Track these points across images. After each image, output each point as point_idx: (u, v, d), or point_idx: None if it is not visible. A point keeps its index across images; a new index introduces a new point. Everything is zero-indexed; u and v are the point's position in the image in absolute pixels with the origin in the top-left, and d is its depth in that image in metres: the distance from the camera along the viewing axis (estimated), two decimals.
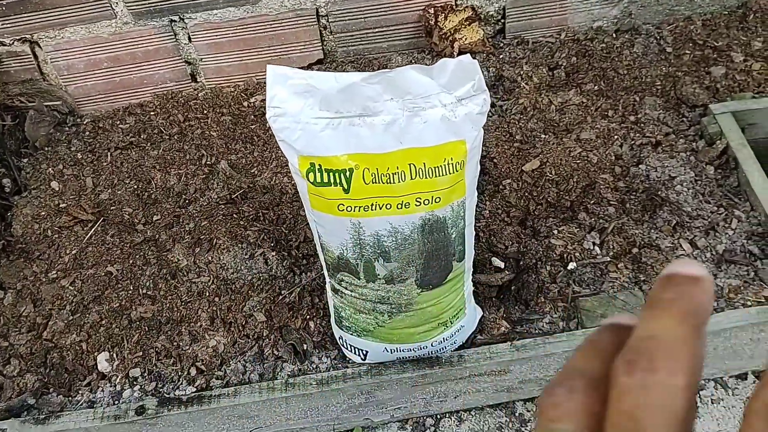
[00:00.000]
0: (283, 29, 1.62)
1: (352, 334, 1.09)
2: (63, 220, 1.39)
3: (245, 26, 1.60)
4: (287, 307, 1.20)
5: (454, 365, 1.08)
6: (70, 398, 1.15)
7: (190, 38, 1.61)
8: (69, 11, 1.53)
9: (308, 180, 0.94)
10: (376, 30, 1.65)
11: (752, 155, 1.29)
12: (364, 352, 1.10)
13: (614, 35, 1.63)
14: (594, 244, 1.23)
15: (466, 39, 1.61)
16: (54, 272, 1.31)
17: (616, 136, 1.40)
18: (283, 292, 1.22)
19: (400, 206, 0.94)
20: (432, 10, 1.59)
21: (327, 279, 1.08)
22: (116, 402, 1.14)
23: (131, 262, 1.31)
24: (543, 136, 1.41)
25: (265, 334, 1.18)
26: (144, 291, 1.26)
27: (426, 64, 1.60)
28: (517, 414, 1.15)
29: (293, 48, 1.65)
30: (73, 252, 1.34)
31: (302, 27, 1.61)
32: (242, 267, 1.26)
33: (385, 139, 0.91)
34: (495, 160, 1.37)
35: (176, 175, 1.45)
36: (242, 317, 1.20)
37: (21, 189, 1.50)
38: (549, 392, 0.26)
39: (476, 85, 0.91)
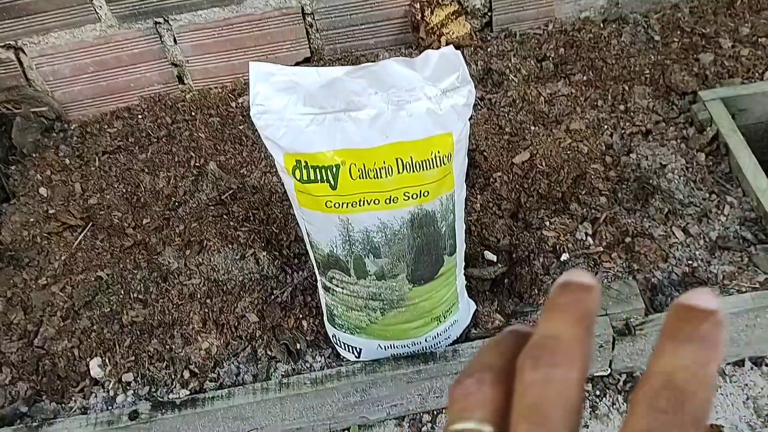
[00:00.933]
0: (269, 28, 1.61)
1: (345, 332, 1.08)
2: (52, 226, 1.38)
3: (231, 26, 1.59)
4: (279, 306, 1.19)
5: (449, 360, 1.07)
6: (63, 405, 1.14)
7: (175, 40, 1.60)
8: (53, 16, 1.52)
9: (295, 177, 0.93)
10: (363, 27, 1.64)
11: (743, 141, 1.29)
12: (358, 350, 1.09)
13: (602, 25, 1.63)
14: (586, 234, 1.22)
15: (453, 33, 1.60)
16: (44, 279, 1.30)
17: (606, 126, 1.39)
18: (275, 291, 1.22)
19: (388, 201, 0.93)
20: (418, 5, 1.59)
21: (318, 277, 1.07)
22: (110, 407, 1.13)
23: (121, 266, 1.30)
24: (533, 127, 1.40)
25: (258, 335, 1.17)
26: (135, 295, 1.25)
27: None
28: None
29: (280, 47, 1.64)
30: (63, 258, 1.32)
31: (288, 25, 1.60)
32: (233, 268, 1.25)
33: (371, 133, 0.90)
34: (485, 153, 1.36)
35: (165, 178, 1.44)
36: (234, 318, 1.19)
37: (9, 196, 1.49)
38: (460, 383, 0.28)
39: (461, 77, 0.90)
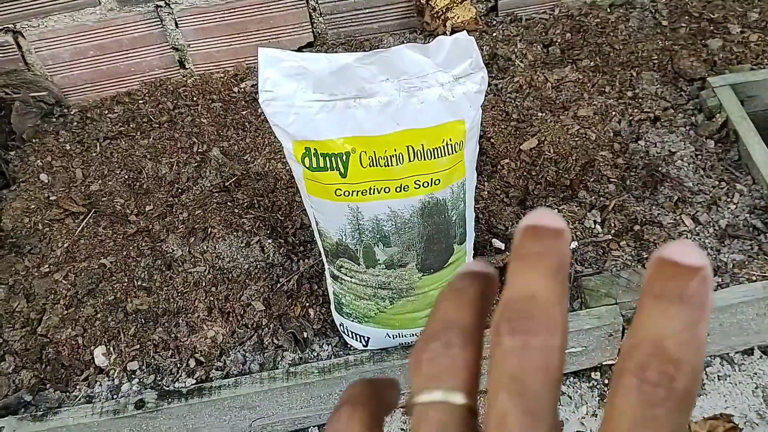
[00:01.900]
0: (272, 12, 1.58)
1: (353, 321, 1.07)
2: (54, 212, 1.36)
3: (233, 10, 1.56)
4: (286, 295, 1.18)
5: None
6: (67, 394, 1.13)
7: (176, 24, 1.57)
8: None
9: (304, 165, 0.92)
10: (367, 11, 1.61)
11: (752, 128, 1.27)
12: (366, 339, 1.09)
13: (609, 10, 1.61)
14: (595, 222, 1.21)
15: (458, 17, 1.58)
16: (46, 266, 1.29)
17: (613, 113, 1.38)
18: (281, 279, 1.20)
19: (398, 189, 0.92)
20: None
21: (326, 265, 1.06)
22: (115, 396, 1.12)
23: (125, 253, 1.28)
24: (540, 114, 1.39)
25: (264, 323, 1.16)
26: (139, 283, 1.24)
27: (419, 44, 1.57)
28: None
29: (282, 31, 1.61)
30: (65, 245, 1.31)
31: (291, 9, 1.58)
32: (238, 255, 1.24)
33: (382, 120, 0.89)
34: (492, 140, 1.34)
35: (168, 164, 1.42)
36: (240, 307, 1.18)
37: (9, 182, 1.47)
38: (424, 346, 0.25)
39: (474, 63, 0.89)
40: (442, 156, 0.91)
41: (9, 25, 1.53)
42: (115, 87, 1.64)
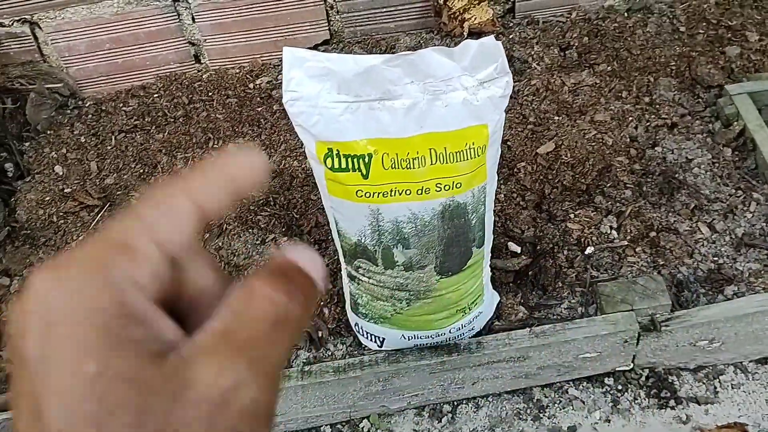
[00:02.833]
0: (289, 9, 1.58)
1: (368, 321, 1.07)
2: (68, 205, 1.36)
3: (250, 6, 1.56)
4: None
5: (473, 352, 1.07)
6: None
7: (193, 18, 1.57)
8: None
9: (326, 165, 0.92)
10: (384, 10, 1.61)
11: None
12: (381, 339, 1.09)
13: (626, 14, 1.60)
14: (611, 227, 1.21)
15: (475, 19, 1.58)
16: None
17: (630, 118, 1.37)
18: None
19: (420, 192, 0.92)
20: None
21: (343, 265, 1.06)
22: None
23: None
24: (556, 117, 1.39)
25: None
26: None
27: (434, 45, 1.57)
28: (534, 400, 1.14)
29: (299, 28, 1.61)
30: (81, 238, 1.31)
31: (308, 7, 1.58)
32: (253, 253, 1.24)
33: (406, 123, 0.89)
34: (509, 143, 1.34)
35: (183, 159, 1.42)
36: None
37: (24, 174, 1.48)
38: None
39: (499, 68, 0.88)
40: (464, 159, 0.91)
41: (26, 16, 1.53)
42: (130, 80, 1.64)
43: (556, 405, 1.13)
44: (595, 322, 1.07)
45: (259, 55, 1.64)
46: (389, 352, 1.09)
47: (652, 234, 1.20)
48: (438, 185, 0.91)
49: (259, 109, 1.52)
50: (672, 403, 1.12)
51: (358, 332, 1.12)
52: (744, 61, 1.45)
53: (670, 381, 1.14)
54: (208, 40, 1.61)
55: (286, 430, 1.14)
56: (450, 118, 0.89)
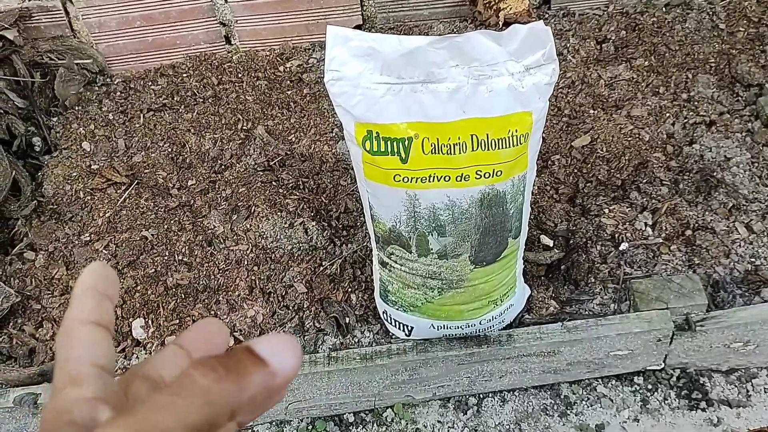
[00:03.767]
0: None
1: (397, 309, 1.06)
2: (96, 181, 1.35)
3: None
4: (328, 278, 1.17)
5: (503, 345, 1.05)
6: None
7: None
8: None
9: (364, 148, 0.90)
10: None
11: None
12: (410, 328, 1.07)
13: (665, 9, 1.57)
14: (646, 224, 1.19)
15: (510, 8, 1.55)
16: (87, 235, 1.28)
17: (668, 114, 1.35)
18: (323, 263, 1.19)
19: (459, 179, 0.90)
20: None
21: (374, 251, 1.04)
22: None
23: (166, 227, 1.27)
24: (592, 111, 1.36)
25: (305, 306, 1.14)
26: (180, 257, 1.23)
27: None
28: (562, 396, 1.12)
29: (332, 12, 1.59)
30: (107, 215, 1.30)
31: None
32: (282, 236, 1.23)
33: (448, 107, 0.87)
34: (543, 135, 1.32)
35: (211, 140, 1.41)
36: (282, 287, 1.16)
37: (51, 148, 1.47)
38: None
39: (547, 54, 0.86)
40: (506, 147, 0.89)
41: None
42: (159, 59, 1.63)
43: (584, 402, 1.11)
44: (628, 319, 1.05)
45: (290, 38, 1.62)
46: (417, 341, 1.07)
47: (688, 232, 1.17)
48: (478, 172, 0.89)
49: (289, 92, 1.50)
50: (703, 405, 1.09)
51: (386, 320, 1.10)
52: None
53: (702, 382, 1.12)
54: (239, 21, 1.59)
55: (309, 416, 1.13)
56: (494, 104, 0.87)
